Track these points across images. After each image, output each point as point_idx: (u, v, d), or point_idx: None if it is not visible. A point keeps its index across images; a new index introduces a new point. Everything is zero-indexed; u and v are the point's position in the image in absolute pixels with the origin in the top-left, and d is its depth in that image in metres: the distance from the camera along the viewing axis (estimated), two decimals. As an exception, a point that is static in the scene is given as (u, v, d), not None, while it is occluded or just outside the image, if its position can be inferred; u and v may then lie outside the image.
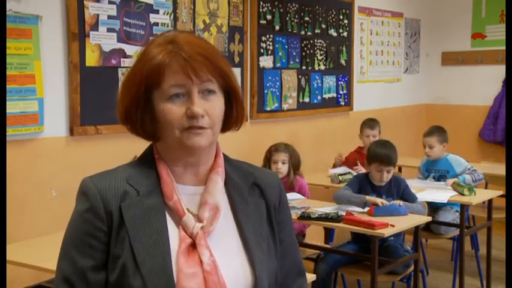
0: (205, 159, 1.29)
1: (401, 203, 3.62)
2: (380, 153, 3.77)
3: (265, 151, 4.26)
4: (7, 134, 2.97)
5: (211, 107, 1.23)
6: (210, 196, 1.27)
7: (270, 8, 4.70)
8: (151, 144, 1.32)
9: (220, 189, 1.29)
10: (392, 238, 3.72)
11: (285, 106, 4.90)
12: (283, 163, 4.14)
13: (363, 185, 3.86)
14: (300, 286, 1.42)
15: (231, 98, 1.29)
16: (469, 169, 4.59)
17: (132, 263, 1.18)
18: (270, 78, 4.74)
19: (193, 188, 1.29)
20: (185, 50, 1.22)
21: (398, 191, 3.82)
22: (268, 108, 4.75)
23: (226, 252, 1.26)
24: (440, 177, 4.69)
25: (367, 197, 3.64)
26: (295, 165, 4.21)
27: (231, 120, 1.31)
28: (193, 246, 1.22)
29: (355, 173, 4.42)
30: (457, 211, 4.52)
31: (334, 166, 4.90)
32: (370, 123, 5.02)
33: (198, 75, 1.21)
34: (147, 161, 1.29)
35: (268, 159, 4.19)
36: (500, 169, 4.82)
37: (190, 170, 1.29)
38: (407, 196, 3.80)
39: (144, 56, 1.24)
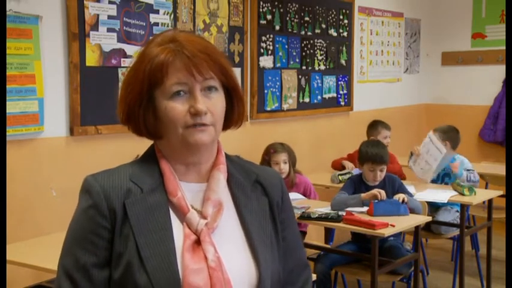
0: (207, 157, 1.30)
1: (406, 197, 3.61)
2: (372, 153, 3.80)
3: (266, 151, 4.25)
4: (7, 134, 2.97)
5: (213, 104, 1.25)
6: (212, 193, 1.28)
7: (270, 8, 4.70)
8: (153, 143, 1.32)
9: (223, 186, 1.30)
10: (392, 238, 3.72)
11: (285, 106, 4.90)
12: (285, 163, 4.13)
13: (358, 186, 3.87)
14: (306, 279, 1.43)
15: (232, 95, 1.31)
16: (468, 170, 4.58)
17: (136, 260, 1.19)
18: (270, 78, 4.74)
19: (197, 185, 1.30)
20: (187, 48, 1.23)
21: (393, 189, 3.83)
22: (268, 108, 4.75)
23: (231, 249, 1.26)
24: (445, 175, 4.69)
25: (363, 195, 3.65)
26: (293, 163, 4.22)
27: (232, 117, 1.32)
28: (197, 242, 1.23)
29: (355, 172, 4.42)
30: (457, 211, 4.52)
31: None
32: (384, 124, 4.98)
33: (200, 73, 1.22)
34: (149, 159, 1.30)
35: (267, 161, 4.13)
36: (500, 169, 4.82)
37: (193, 169, 1.30)
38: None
39: (145, 55, 1.25)
